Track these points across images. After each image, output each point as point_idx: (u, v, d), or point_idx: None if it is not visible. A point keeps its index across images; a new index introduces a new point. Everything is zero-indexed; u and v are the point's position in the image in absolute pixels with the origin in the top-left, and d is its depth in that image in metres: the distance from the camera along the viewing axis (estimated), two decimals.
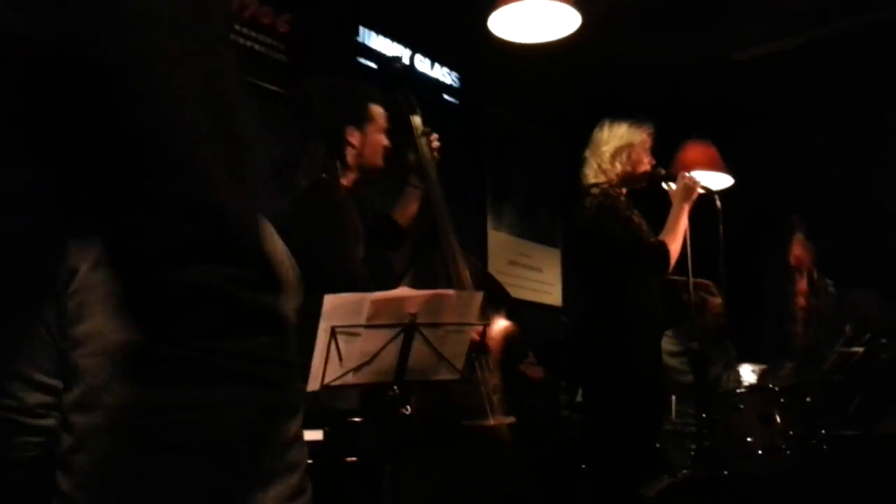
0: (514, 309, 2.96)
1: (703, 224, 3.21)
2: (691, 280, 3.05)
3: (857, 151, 4.96)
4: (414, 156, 2.81)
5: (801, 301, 4.35)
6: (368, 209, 2.79)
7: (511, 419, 2.66)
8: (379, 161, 2.72)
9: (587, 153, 3.25)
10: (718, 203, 3.06)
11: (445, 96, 4.57)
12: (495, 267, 4.84)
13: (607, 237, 3.06)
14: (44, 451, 1.25)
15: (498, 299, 2.88)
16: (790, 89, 4.92)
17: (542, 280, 5.20)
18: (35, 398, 1.25)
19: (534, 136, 5.38)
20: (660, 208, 3.25)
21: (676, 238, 3.08)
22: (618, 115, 3.30)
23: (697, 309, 3.34)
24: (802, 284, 4.36)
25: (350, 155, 2.67)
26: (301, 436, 1.45)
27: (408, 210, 2.87)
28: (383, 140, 2.72)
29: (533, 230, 5.23)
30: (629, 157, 3.16)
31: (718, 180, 3.55)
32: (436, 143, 2.85)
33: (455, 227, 2.77)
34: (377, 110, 2.72)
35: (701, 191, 3.13)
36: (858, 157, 4.94)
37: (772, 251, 4.60)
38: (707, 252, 3.27)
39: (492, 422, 2.60)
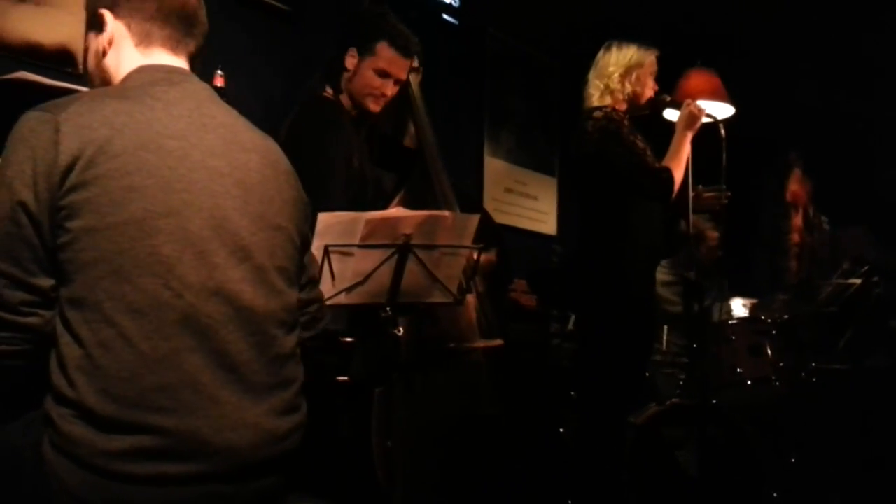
0: (501, 235, 2.94)
1: (703, 153, 3.17)
2: (691, 210, 3.02)
3: (851, 89, 4.90)
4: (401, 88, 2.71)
5: (796, 237, 4.36)
6: (363, 144, 2.70)
7: (498, 342, 2.67)
8: (366, 101, 2.58)
9: (591, 75, 3.17)
10: (723, 132, 3.01)
11: (445, 16, 4.45)
12: (491, 194, 4.79)
13: (610, 162, 3.01)
14: (33, 345, 1.25)
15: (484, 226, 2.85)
16: (792, 21, 4.82)
17: (537, 208, 5.16)
18: (18, 296, 1.24)
19: (533, 61, 5.27)
20: (660, 137, 3.20)
21: (680, 165, 3.03)
22: (628, 39, 3.21)
23: (695, 240, 3.32)
24: (798, 220, 4.35)
25: (344, 78, 2.60)
26: (297, 352, 1.44)
27: (409, 129, 2.81)
28: (375, 80, 2.56)
29: (530, 158, 5.17)
30: (638, 78, 3.09)
31: (721, 110, 3.48)
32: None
33: (452, 152, 2.73)
34: (386, 52, 2.56)
35: (706, 119, 3.07)
36: (853, 94, 4.88)
37: (769, 186, 4.58)
38: (707, 182, 3.24)
39: (478, 344, 2.61)
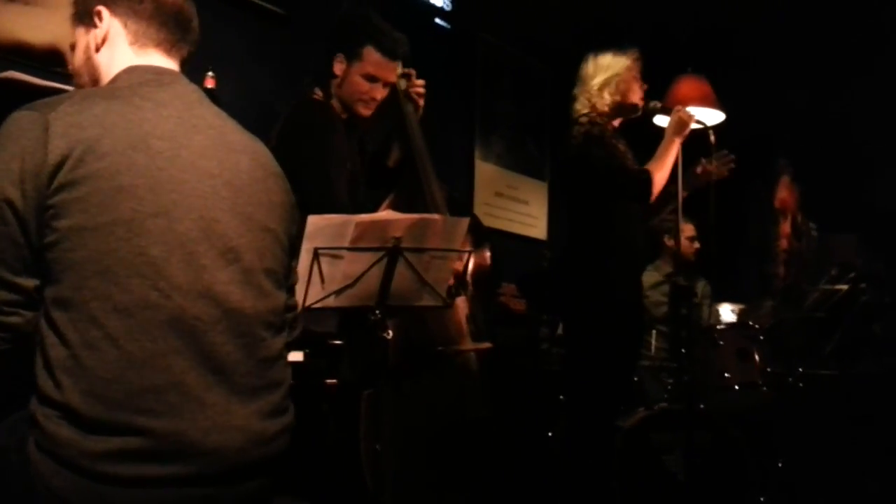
0: (489, 239, 2.95)
1: (693, 159, 3.19)
2: (680, 216, 3.03)
3: (841, 96, 4.93)
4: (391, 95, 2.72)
5: (784, 243, 4.37)
6: (352, 150, 2.71)
7: (486, 344, 2.67)
8: (356, 106, 2.59)
9: (576, 90, 3.21)
10: (713, 138, 3.03)
11: (437, 20, 4.46)
12: (482, 198, 4.80)
13: (591, 164, 3.06)
14: (13, 345, 1.24)
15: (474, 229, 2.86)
16: (783, 27, 4.84)
17: (528, 213, 5.17)
18: (1, 296, 1.23)
19: (524, 66, 5.28)
20: (652, 144, 3.21)
21: (662, 168, 3.06)
22: (605, 47, 3.23)
23: (673, 236, 3.33)
24: (786, 227, 4.37)
25: (333, 84, 2.60)
26: (285, 354, 1.44)
27: (393, 153, 2.81)
28: (363, 85, 2.56)
29: (521, 162, 5.18)
30: (618, 86, 3.12)
31: (711, 116, 3.50)
32: (420, 90, 2.73)
33: (443, 156, 2.73)
34: (372, 56, 2.55)
35: (695, 125, 3.09)
36: (843, 101, 4.91)
37: (758, 192, 4.60)
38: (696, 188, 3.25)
39: (466, 347, 2.61)
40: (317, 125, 2.54)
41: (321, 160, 2.44)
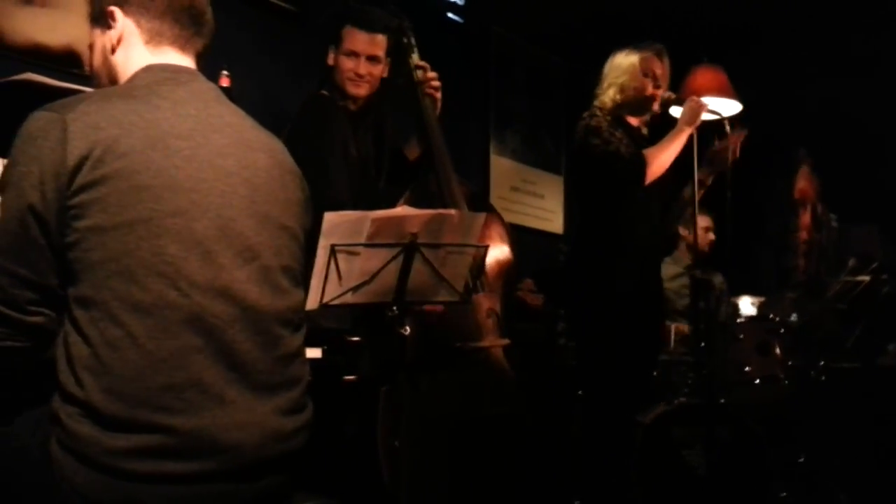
0: (510, 234, 2.95)
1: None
2: (696, 207, 3.01)
3: (860, 86, 4.87)
4: (408, 84, 2.76)
5: (804, 235, 4.34)
6: (364, 137, 2.74)
7: (505, 341, 2.67)
8: (346, 86, 2.66)
9: (596, 89, 3.23)
10: (728, 129, 3.01)
11: (450, 15, 4.45)
12: (498, 193, 4.79)
13: (588, 153, 3.07)
14: (38, 344, 1.26)
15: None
16: (801, 17, 4.80)
17: (544, 207, 5.16)
18: (25, 296, 1.24)
19: (539, 60, 5.26)
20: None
21: (663, 153, 3.05)
22: (624, 40, 3.23)
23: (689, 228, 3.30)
24: (806, 218, 4.34)
25: (333, 76, 2.69)
26: (303, 351, 1.44)
27: (413, 148, 2.86)
28: (347, 63, 2.65)
29: (536, 156, 5.17)
30: (622, 86, 3.13)
31: (727, 106, 3.46)
32: (435, 83, 2.77)
33: (458, 151, 2.74)
34: (349, 32, 2.66)
35: (708, 115, 3.07)
36: (862, 91, 4.86)
37: (777, 183, 4.56)
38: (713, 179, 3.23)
39: (485, 343, 2.61)
40: (313, 118, 2.62)
41: (316, 153, 2.50)
